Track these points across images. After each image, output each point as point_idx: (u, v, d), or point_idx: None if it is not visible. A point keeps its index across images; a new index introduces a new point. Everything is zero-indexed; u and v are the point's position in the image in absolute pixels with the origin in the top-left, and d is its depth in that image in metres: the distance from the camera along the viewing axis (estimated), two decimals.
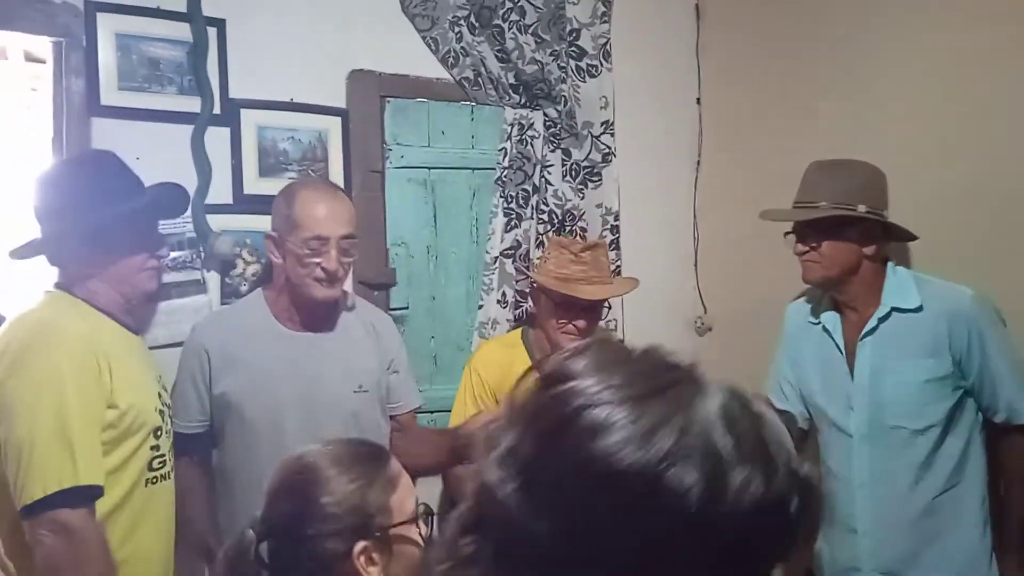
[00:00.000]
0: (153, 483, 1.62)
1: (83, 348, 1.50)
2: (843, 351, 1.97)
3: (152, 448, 1.60)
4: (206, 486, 1.94)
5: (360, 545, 1.11)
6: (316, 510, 1.11)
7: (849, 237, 1.89)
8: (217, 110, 2.16)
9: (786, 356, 2.15)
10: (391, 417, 2.06)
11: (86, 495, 1.44)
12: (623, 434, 0.57)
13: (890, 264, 1.95)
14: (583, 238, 2.63)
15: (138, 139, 2.04)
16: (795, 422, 2.09)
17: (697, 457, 0.56)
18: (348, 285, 2.12)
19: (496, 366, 2.15)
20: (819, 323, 2.03)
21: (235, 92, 2.20)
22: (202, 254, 2.14)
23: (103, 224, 1.59)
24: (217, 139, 2.18)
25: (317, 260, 1.83)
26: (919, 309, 1.87)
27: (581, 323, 2.10)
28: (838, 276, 1.93)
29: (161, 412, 1.66)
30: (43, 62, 2.30)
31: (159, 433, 1.63)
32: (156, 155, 2.03)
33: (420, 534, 1.16)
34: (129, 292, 1.66)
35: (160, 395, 1.69)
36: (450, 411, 2.48)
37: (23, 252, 1.66)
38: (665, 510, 0.56)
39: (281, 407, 1.87)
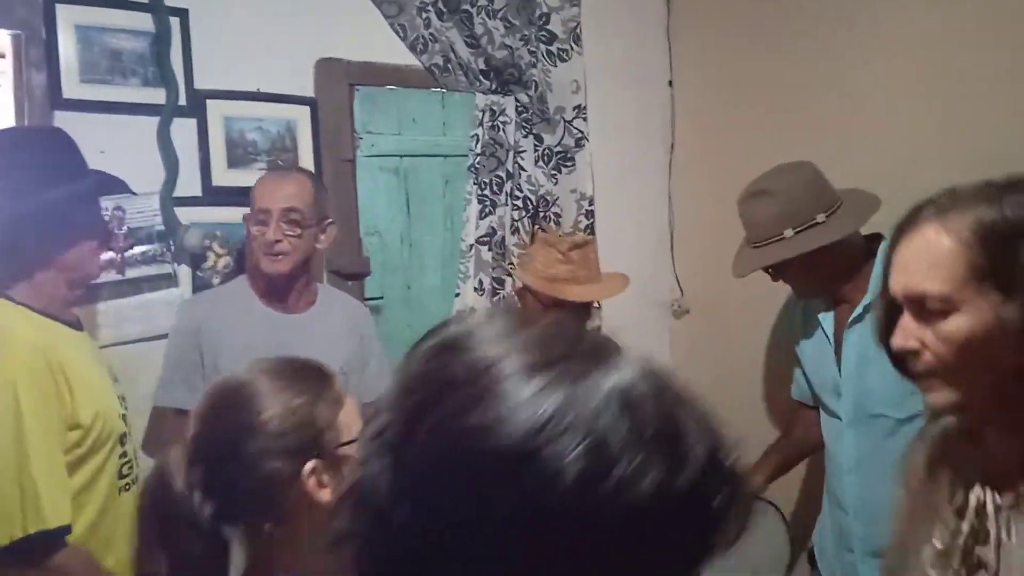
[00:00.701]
0: (125, 490, 1.57)
1: (38, 366, 1.36)
2: (831, 340, 1.96)
3: (120, 456, 1.53)
4: None
5: (310, 464, 1.01)
6: (257, 427, 1.01)
7: (804, 254, 1.82)
8: (183, 101, 2.13)
9: (796, 345, 2.13)
10: (368, 404, 2.05)
11: (54, 536, 1.34)
12: (496, 410, 0.51)
13: (882, 246, 1.90)
14: (558, 224, 2.63)
15: (102, 132, 2.01)
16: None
17: (576, 438, 0.50)
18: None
19: None
20: (812, 312, 2.02)
21: (200, 83, 2.17)
22: (172, 247, 2.11)
23: (57, 206, 1.45)
24: (184, 131, 2.15)
25: (262, 231, 1.91)
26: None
27: None
28: (820, 284, 1.92)
29: (123, 416, 1.58)
30: (3, 56, 2.26)
31: (124, 440, 1.56)
32: (121, 148, 2.00)
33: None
34: (78, 281, 1.56)
35: (121, 399, 1.62)
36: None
37: None
38: (532, 495, 0.50)
39: None
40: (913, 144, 2.12)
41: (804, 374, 2.11)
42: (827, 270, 1.87)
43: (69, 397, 1.39)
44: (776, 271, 1.92)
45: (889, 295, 1.02)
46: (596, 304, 2.13)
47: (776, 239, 1.84)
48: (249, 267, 2.04)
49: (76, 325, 1.57)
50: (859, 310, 1.86)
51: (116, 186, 1.64)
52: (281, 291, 2.00)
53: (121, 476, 1.54)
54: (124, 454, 1.55)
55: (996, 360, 0.93)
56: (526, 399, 0.51)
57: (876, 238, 1.88)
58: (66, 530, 1.36)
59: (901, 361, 1.02)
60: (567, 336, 0.57)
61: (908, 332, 0.98)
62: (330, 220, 2.03)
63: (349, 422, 1.06)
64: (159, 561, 1.02)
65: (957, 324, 0.94)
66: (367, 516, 0.55)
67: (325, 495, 1.01)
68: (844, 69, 2.30)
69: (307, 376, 1.08)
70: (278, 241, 1.90)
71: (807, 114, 2.40)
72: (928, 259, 0.96)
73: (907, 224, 1.01)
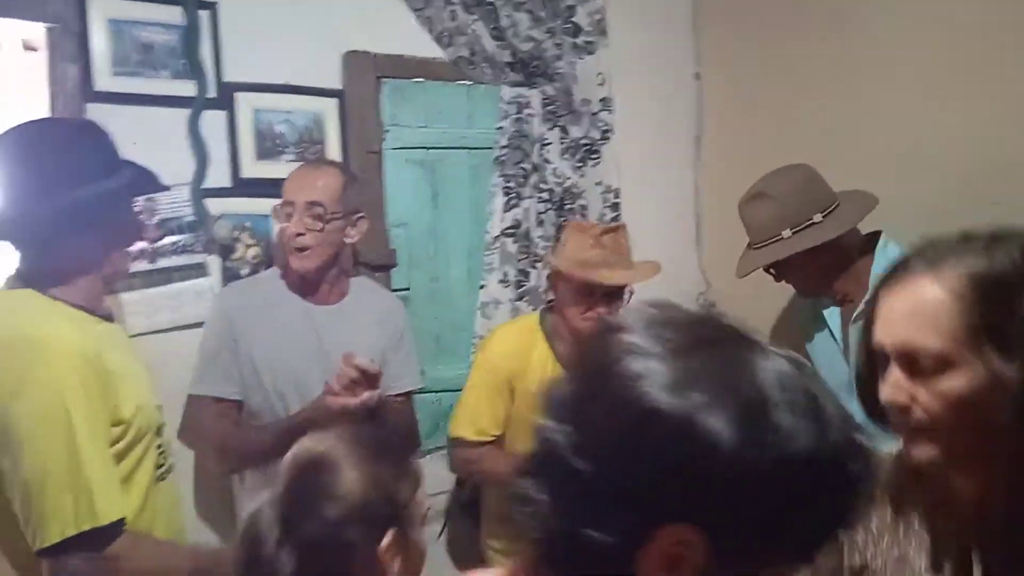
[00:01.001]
0: (161, 479, 1.56)
1: (82, 364, 1.34)
2: (839, 339, 1.96)
3: (157, 447, 1.52)
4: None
5: (389, 536, 1.07)
6: (341, 495, 1.07)
7: (803, 253, 1.85)
8: (212, 94, 2.16)
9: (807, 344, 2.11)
10: (394, 396, 2.07)
11: (108, 533, 1.33)
12: (659, 380, 0.60)
13: (881, 241, 1.90)
14: (583, 217, 2.63)
15: (134, 124, 2.03)
16: None
17: (734, 405, 0.59)
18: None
19: (513, 352, 2.09)
20: (820, 311, 2.02)
21: (229, 75, 2.19)
22: (202, 238, 2.14)
23: (93, 203, 1.41)
24: (213, 123, 2.17)
25: (286, 225, 1.91)
26: None
27: (603, 309, 2.00)
28: (821, 283, 1.93)
29: (159, 407, 1.56)
30: (37, 50, 2.29)
31: (161, 431, 1.55)
32: (152, 140, 2.02)
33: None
34: (112, 276, 1.53)
35: (151, 388, 1.59)
36: (451, 391, 2.48)
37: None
38: (697, 454, 0.58)
39: (304, 374, 1.93)
40: (944, 134, 2.09)
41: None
42: (826, 268, 1.90)
43: (113, 393, 1.38)
44: (777, 271, 1.95)
45: (872, 346, 0.97)
46: (629, 291, 2.11)
47: (774, 240, 1.88)
48: (281, 259, 2.05)
49: (110, 318, 1.55)
50: (862, 306, 1.83)
51: (151, 185, 1.61)
52: (311, 284, 1.99)
53: (157, 466, 1.54)
54: (160, 445, 1.54)
55: (990, 418, 0.89)
56: (685, 375, 0.61)
57: (876, 236, 1.90)
58: (119, 525, 1.35)
59: (878, 413, 0.98)
60: (718, 325, 0.68)
61: (899, 387, 0.93)
62: (361, 214, 2.02)
63: (421, 507, 1.14)
64: None
65: (953, 382, 0.90)
66: (551, 474, 0.64)
67: (396, 566, 1.07)
68: (873, 60, 2.28)
69: (395, 450, 1.15)
70: (300, 234, 1.90)
71: (835, 106, 2.38)
72: (922, 313, 0.91)
73: (896, 275, 0.97)
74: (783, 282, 1.99)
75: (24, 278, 1.43)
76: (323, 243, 1.92)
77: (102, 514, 1.31)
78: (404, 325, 2.17)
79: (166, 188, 1.79)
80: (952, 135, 2.07)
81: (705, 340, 0.64)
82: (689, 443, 0.58)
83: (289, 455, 1.15)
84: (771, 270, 1.96)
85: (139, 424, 1.44)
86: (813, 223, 1.85)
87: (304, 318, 1.98)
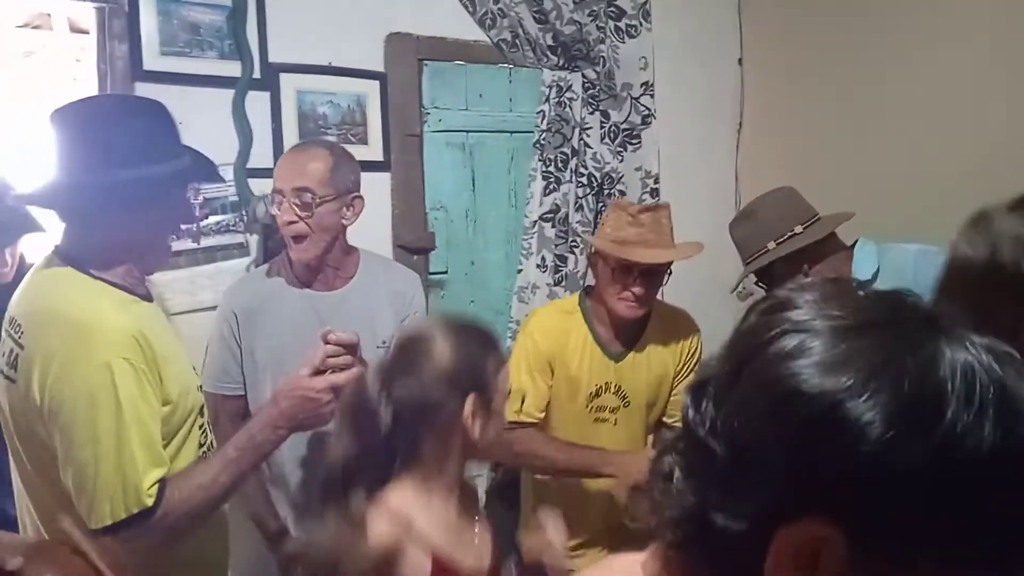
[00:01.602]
0: (203, 458, 1.53)
1: (130, 346, 1.33)
2: None
3: (199, 427, 1.51)
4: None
5: (471, 399, 1.23)
6: (434, 359, 1.24)
7: (787, 262, 1.92)
8: (257, 74, 2.18)
9: None
10: None
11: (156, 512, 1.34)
12: (812, 359, 0.55)
13: (859, 241, 1.96)
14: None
15: (181, 103, 2.02)
16: None
17: (894, 393, 0.53)
18: (371, 244, 2.12)
19: (553, 334, 2.06)
20: None
21: (274, 56, 2.21)
22: (244, 218, 2.17)
23: (151, 184, 1.39)
24: (257, 103, 2.19)
25: (278, 213, 1.84)
26: (874, 278, 1.86)
27: (638, 289, 1.95)
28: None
29: (199, 387, 1.54)
30: (87, 32, 2.33)
31: (203, 410, 1.53)
32: (198, 119, 2.04)
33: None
34: (154, 263, 1.50)
35: (194, 368, 1.57)
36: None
37: (34, 199, 1.47)
38: (840, 443, 0.53)
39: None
40: (988, 128, 2.05)
41: None
42: (813, 276, 1.91)
43: (159, 376, 1.37)
44: (768, 283, 2.01)
45: None
46: (668, 272, 2.07)
47: (760, 252, 1.97)
48: (283, 248, 1.97)
49: (148, 298, 1.52)
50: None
51: (209, 174, 1.60)
52: (313, 270, 1.92)
53: (199, 445, 1.52)
54: (203, 424, 1.54)
55: None
56: (841, 357, 0.55)
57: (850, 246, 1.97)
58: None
59: None
60: (894, 306, 0.60)
61: None
62: (356, 194, 1.91)
63: (504, 380, 1.30)
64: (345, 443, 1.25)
65: None
66: (688, 452, 0.62)
67: (476, 429, 1.23)
68: (917, 51, 2.24)
69: (481, 336, 1.31)
70: (292, 222, 1.82)
71: (877, 95, 2.33)
72: None
73: None
74: None
75: (63, 255, 1.40)
76: (318, 229, 1.84)
77: (149, 498, 1.32)
78: (421, 300, 2.08)
79: (222, 180, 1.80)
80: (996, 138, 2.02)
81: (879, 321, 0.58)
82: (833, 430, 0.53)
83: (397, 333, 1.33)
84: (762, 284, 2.04)
85: (184, 404, 1.44)
86: (795, 234, 1.95)
87: (306, 309, 1.91)
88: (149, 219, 1.42)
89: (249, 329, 1.89)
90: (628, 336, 2.05)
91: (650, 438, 2.15)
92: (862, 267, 1.91)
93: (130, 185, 1.36)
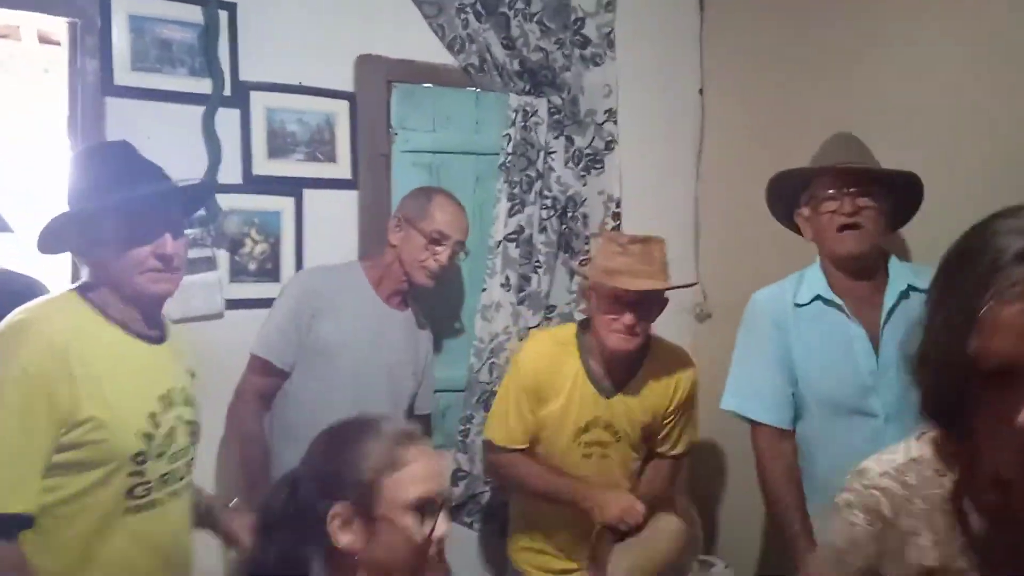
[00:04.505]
0: (138, 511, 1.48)
1: (51, 355, 1.36)
2: (865, 330, 1.88)
3: (132, 475, 1.45)
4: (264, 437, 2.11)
5: (335, 507, 1.14)
6: (319, 467, 1.19)
7: (883, 206, 1.86)
8: (227, 92, 2.21)
9: (763, 355, 1.98)
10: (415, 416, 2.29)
11: (8, 523, 1.33)
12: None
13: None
14: (585, 226, 2.68)
15: (151, 119, 2.09)
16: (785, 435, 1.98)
17: None
18: (338, 261, 2.32)
19: (544, 364, 2.05)
20: (811, 302, 1.94)
21: (245, 75, 2.24)
22: (212, 232, 2.19)
23: (95, 212, 1.46)
24: (227, 120, 2.22)
25: (435, 252, 2.15)
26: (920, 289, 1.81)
27: (628, 318, 1.93)
28: (872, 248, 1.88)
29: (148, 436, 1.47)
30: (57, 44, 2.34)
31: (141, 459, 1.46)
32: (168, 135, 2.08)
33: (415, 523, 1.16)
34: (132, 295, 1.50)
35: (154, 416, 1.49)
36: (450, 391, 2.53)
37: (48, 243, 1.52)
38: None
39: (364, 364, 2.12)
40: (952, 153, 2.12)
41: (798, 386, 1.95)
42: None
43: (76, 392, 1.37)
44: (872, 192, 1.86)
45: (969, 354, 0.84)
46: (662, 304, 2.04)
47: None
48: (385, 262, 2.22)
49: (152, 338, 1.55)
50: (894, 298, 1.86)
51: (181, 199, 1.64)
52: (403, 291, 2.24)
53: (133, 496, 1.47)
54: (141, 473, 1.47)
55: None
56: None
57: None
58: (22, 519, 1.35)
59: (949, 423, 0.93)
60: None
61: None
62: None
63: (401, 486, 1.15)
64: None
65: None
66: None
67: (345, 538, 1.14)
68: (874, 84, 2.33)
69: (378, 435, 1.20)
70: (444, 266, 2.17)
71: (835, 125, 2.42)
72: None
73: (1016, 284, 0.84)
74: (848, 224, 1.87)
75: (79, 288, 1.52)
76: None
77: (7, 502, 1.33)
78: (431, 355, 2.40)
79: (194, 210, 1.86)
80: (961, 158, 2.10)
81: None
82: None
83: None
84: (865, 198, 1.86)
85: (101, 445, 1.40)
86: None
87: (377, 316, 2.18)
88: (113, 245, 1.46)
89: (321, 311, 2.11)
90: (622, 374, 2.05)
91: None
92: (912, 276, 1.87)
93: (87, 216, 1.46)
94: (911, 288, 1.87)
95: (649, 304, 1.98)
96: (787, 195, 2.00)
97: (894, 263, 1.94)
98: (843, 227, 1.86)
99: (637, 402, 2.06)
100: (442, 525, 1.17)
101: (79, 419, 1.37)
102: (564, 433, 2.04)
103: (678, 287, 2.05)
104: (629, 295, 1.92)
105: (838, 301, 1.91)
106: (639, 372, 2.07)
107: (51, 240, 1.50)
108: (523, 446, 2.05)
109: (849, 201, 1.85)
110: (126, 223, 1.46)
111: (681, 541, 1.98)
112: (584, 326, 2.11)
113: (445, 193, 2.26)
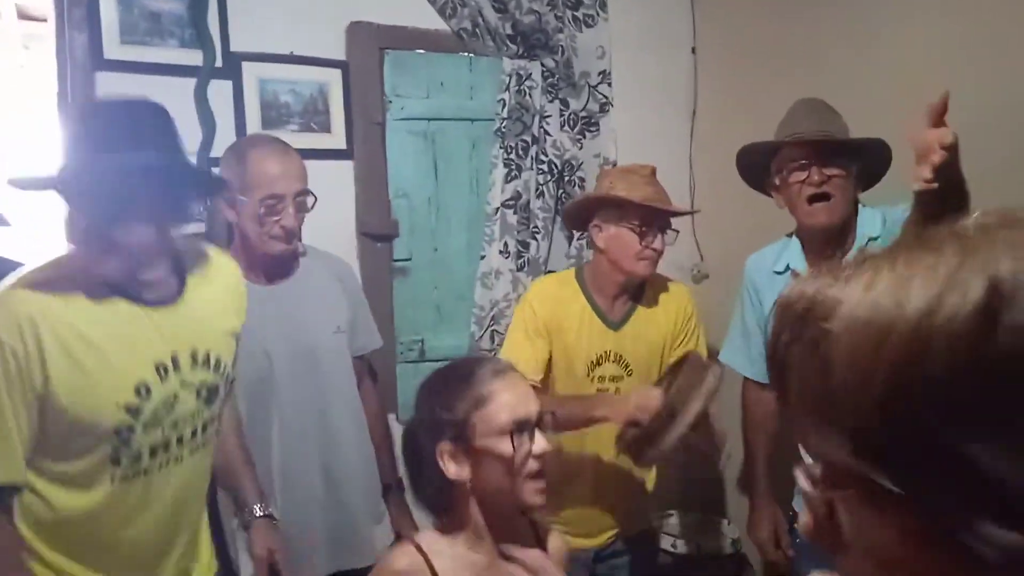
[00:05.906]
0: (134, 476, 1.46)
1: (19, 335, 1.33)
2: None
3: (118, 447, 1.43)
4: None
5: (440, 444, 1.29)
6: (424, 413, 1.34)
7: (852, 172, 1.84)
8: (219, 63, 2.18)
9: (746, 316, 2.08)
10: (359, 357, 2.09)
11: None
12: None
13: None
14: (582, 188, 2.67)
15: (142, 93, 2.03)
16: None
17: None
18: (334, 232, 2.24)
19: (551, 302, 2.09)
20: (785, 271, 1.95)
21: (236, 45, 2.21)
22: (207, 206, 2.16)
23: (95, 171, 1.35)
24: (220, 92, 2.19)
25: (276, 219, 1.82)
26: (878, 237, 1.81)
27: (658, 245, 1.98)
28: (844, 217, 1.86)
29: (134, 409, 1.42)
30: (37, 19, 2.29)
31: (126, 433, 1.42)
32: None
33: (511, 446, 1.29)
34: (131, 254, 1.41)
35: (144, 385, 1.43)
36: (451, 359, 2.52)
37: (30, 183, 1.42)
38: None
39: (273, 360, 1.91)
40: (948, 117, 2.12)
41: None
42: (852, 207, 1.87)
43: (40, 377, 1.34)
44: (837, 162, 1.83)
45: None
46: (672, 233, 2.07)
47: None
48: (237, 245, 1.93)
49: (152, 301, 1.46)
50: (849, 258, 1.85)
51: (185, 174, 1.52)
52: (281, 265, 1.93)
53: (118, 464, 1.44)
54: (128, 442, 1.43)
55: None
56: None
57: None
58: (5, 490, 1.36)
59: None
60: None
61: None
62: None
63: (492, 416, 1.29)
64: None
65: None
66: None
67: (452, 468, 1.28)
68: (869, 36, 2.32)
69: (461, 379, 1.34)
70: (292, 226, 1.84)
71: (828, 83, 2.41)
72: None
73: None
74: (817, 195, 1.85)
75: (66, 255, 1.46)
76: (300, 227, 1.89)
77: None
78: (358, 287, 2.14)
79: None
80: (957, 126, 2.10)
81: None
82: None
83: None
84: (831, 168, 1.83)
85: (76, 413, 1.38)
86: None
87: (267, 300, 1.90)
88: (95, 210, 1.36)
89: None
90: (624, 306, 2.09)
91: None
92: (869, 224, 1.85)
93: (78, 174, 1.34)
94: (871, 240, 1.83)
95: (666, 231, 2.03)
96: (756, 164, 1.99)
97: (862, 215, 1.89)
98: (813, 198, 1.84)
99: (643, 328, 2.09)
100: (540, 441, 1.31)
101: (53, 397, 1.35)
102: (576, 369, 2.05)
103: (692, 212, 2.41)
104: (660, 220, 1.98)
105: (792, 266, 1.94)
106: (641, 301, 2.10)
107: (41, 179, 1.40)
108: (537, 377, 2.05)
109: (816, 170, 1.82)
110: (128, 188, 1.36)
111: (709, 385, 1.88)
112: (581, 269, 2.16)
113: (267, 147, 1.89)
